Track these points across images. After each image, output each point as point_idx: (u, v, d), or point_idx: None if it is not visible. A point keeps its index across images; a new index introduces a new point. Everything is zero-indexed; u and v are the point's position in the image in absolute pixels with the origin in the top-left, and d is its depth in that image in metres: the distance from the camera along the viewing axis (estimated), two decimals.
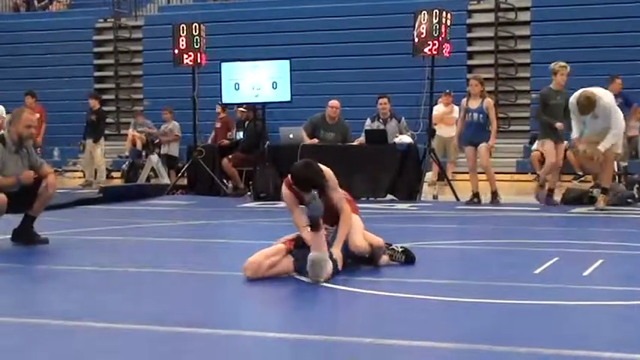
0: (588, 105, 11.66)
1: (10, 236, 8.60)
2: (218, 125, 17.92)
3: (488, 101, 13.08)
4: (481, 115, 12.92)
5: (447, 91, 17.71)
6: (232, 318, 5.46)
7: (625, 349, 4.49)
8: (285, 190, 6.95)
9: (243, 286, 6.59)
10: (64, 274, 7.23)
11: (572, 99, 11.88)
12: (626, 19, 20.12)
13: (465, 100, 13.30)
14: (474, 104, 13.01)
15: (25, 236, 8.53)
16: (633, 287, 6.28)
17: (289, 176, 6.88)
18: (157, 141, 19.67)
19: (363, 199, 13.30)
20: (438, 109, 16.93)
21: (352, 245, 6.83)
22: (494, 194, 13.02)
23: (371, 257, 7.00)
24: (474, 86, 13.13)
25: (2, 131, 9.03)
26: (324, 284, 6.28)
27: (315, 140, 14.41)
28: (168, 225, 11.04)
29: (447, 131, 17.66)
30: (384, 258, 7.10)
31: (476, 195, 13.07)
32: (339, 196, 6.89)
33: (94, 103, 19.01)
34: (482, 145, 12.93)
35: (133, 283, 6.72)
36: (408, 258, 7.16)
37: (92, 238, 9.43)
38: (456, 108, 18.36)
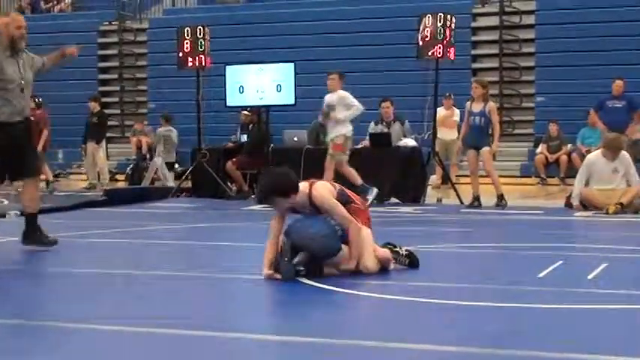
0: None
1: (17, 238, 8.58)
2: None
3: (491, 105, 13.06)
4: (483, 119, 12.90)
5: (448, 94, 17.71)
6: (235, 321, 5.46)
7: (629, 352, 4.49)
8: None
9: (246, 288, 6.59)
10: (68, 276, 7.23)
11: None
12: (631, 22, 20.11)
13: (469, 102, 13.31)
14: (477, 107, 13.02)
15: (33, 237, 8.32)
16: (638, 291, 6.27)
17: None
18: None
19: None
20: (439, 112, 16.92)
21: (363, 267, 6.73)
22: (501, 197, 12.95)
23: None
24: (475, 89, 13.16)
25: None
26: (326, 287, 6.29)
27: None
28: (173, 227, 11.04)
29: (447, 134, 17.67)
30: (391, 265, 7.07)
31: (476, 198, 13.05)
32: (341, 216, 6.64)
33: (95, 106, 19.07)
34: (485, 150, 12.91)
35: (137, 286, 6.72)
36: (411, 262, 7.13)
37: (96, 241, 9.44)
38: (457, 111, 18.42)
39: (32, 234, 8.35)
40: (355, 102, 13.13)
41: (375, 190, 12.71)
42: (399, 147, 14.24)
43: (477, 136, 13.01)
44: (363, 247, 6.73)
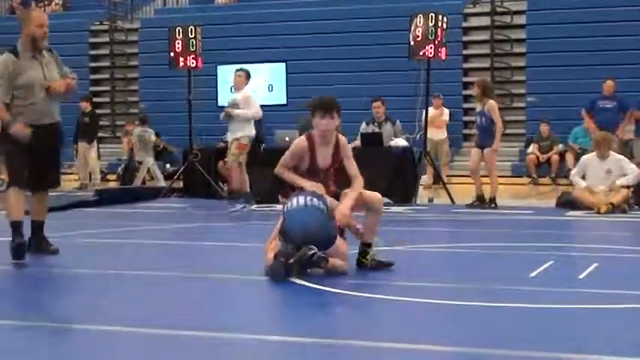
0: None
1: (6, 238, 8.52)
2: None
3: (490, 103, 12.97)
4: (484, 118, 12.92)
5: (437, 94, 17.73)
6: (229, 321, 5.45)
7: (620, 352, 4.50)
8: (302, 141, 7.13)
9: (238, 288, 6.59)
10: (60, 276, 7.22)
11: None
12: (622, 22, 20.15)
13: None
14: (479, 107, 13.09)
15: (40, 245, 8.08)
16: (628, 290, 6.29)
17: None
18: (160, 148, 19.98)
19: None
20: (429, 112, 16.94)
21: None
22: (492, 200, 12.93)
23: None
24: (473, 89, 13.22)
25: None
26: (321, 287, 6.29)
27: None
28: (164, 228, 11.03)
29: (436, 134, 17.68)
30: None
31: (480, 197, 12.99)
32: (355, 166, 7.29)
33: (86, 106, 19.06)
34: (487, 150, 12.91)
35: (129, 286, 6.71)
36: (386, 263, 7.09)
37: (87, 241, 9.42)
38: (446, 111, 18.49)
39: (39, 242, 8.13)
40: (256, 106, 13.22)
41: (248, 208, 12.95)
42: (391, 147, 14.25)
43: (480, 136, 13.11)
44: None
